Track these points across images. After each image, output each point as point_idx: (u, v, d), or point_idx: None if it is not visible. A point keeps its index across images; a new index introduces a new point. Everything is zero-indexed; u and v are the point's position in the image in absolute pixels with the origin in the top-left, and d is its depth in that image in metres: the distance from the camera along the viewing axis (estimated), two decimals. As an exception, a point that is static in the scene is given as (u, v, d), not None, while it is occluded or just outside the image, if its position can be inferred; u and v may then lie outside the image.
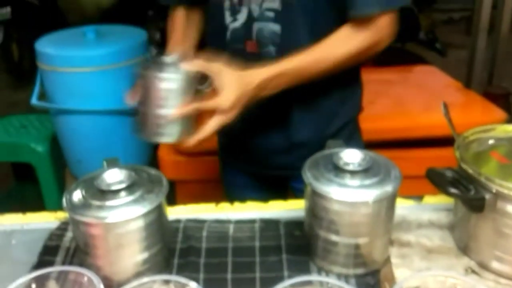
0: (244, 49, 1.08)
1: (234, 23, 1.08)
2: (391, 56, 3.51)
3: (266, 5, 1.04)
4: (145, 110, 0.95)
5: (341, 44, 1.02)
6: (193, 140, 0.96)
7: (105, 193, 0.76)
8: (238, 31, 1.08)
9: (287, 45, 1.03)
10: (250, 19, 1.06)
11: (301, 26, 1.04)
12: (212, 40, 1.16)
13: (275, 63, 0.99)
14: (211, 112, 0.95)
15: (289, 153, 1.17)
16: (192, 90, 0.94)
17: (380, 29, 1.01)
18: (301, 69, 1.01)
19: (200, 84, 0.95)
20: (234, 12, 1.07)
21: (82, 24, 2.12)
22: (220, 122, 0.95)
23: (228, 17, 1.08)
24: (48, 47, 1.94)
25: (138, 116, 0.97)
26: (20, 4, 4.42)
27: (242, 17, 1.06)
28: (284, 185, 1.28)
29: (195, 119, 0.97)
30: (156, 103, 0.93)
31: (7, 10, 4.30)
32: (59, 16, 3.86)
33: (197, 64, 0.94)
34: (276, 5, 1.03)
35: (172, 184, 2.03)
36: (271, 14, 1.04)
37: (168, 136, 0.96)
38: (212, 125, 0.95)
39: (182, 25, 1.20)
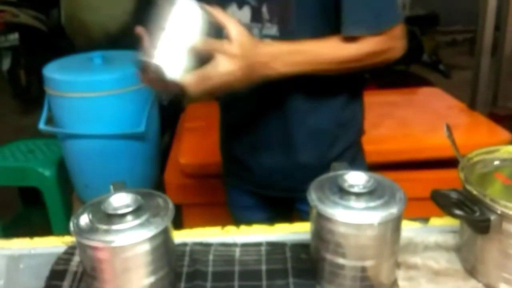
0: None
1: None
2: (395, 78, 3.55)
3: (265, 32, 1.06)
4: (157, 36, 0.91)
5: (354, 43, 1.01)
6: (193, 76, 0.91)
7: (112, 217, 0.76)
8: None
9: None
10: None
11: None
12: None
13: (285, 42, 0.99)
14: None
15: (291, 176, 1.18)
16: (206, 32, 0.92)
17: (393, 37, 1.02)
18: (312, 54, 1.00)
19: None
20: None
21: (89, 49, 2.15)
22: (226, 68, 0.91)
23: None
24: (56, 73, 1.97)
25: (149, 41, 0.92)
26: (28, 30, 4.50)
27: None
28: (289, 206, 1.28)
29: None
30: (170, 30, 0.90)
31: (15, 36, 4.38)
32: (67, 42, 3.91)
33: (217, 12, 0.92)
34: (274, 31, 1.05)
35: (179, 208, 2.04)
36: (269, 41, 1.05)
37: (172, 66, 0.91)
38: (216, 65, 0.91)
39: None
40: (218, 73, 0.91)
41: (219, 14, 0.92)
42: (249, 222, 1.04)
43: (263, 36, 1.06)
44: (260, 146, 1.18)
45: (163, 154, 2.31)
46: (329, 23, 1.04)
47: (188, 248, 0.95)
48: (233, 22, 0.92)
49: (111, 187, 0.85)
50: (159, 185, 2.13)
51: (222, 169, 1.39)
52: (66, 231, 0.89)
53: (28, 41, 4.48)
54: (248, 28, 1.05)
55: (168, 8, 0.91)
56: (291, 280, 0.85)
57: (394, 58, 1.05)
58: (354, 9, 1.00)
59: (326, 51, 1.02)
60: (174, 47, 0.91)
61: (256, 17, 1.06)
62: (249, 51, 0.93)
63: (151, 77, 0.93)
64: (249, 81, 0.95)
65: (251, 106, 1.15)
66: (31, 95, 4.61)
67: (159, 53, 0.91)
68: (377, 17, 1.00)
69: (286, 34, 1.04)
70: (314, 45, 1.01)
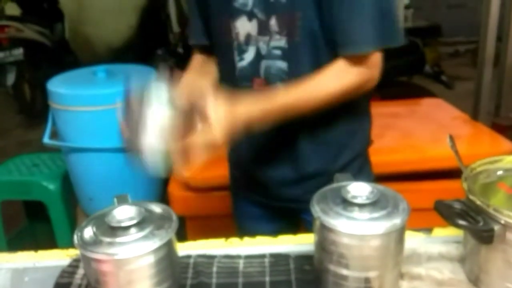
0: (251, 87, 1.11)
1: (242, 62, 1.11)
2: (398, 89, 3.56)
3: (273, 44, 1.07)
4: (135, 141, 0.95)
5: (335, 79, 1.03)
6: (183, 171, 0.96)
7: (116, 230, 0.77)
8: (245, 70, 1.11)
9: (293, 81, 1.05)
10: (258, 57, 1.09)
11: (307, 62, 1.06)
12: (222, 80, 1.19)
13: (265, 96, 1.01)
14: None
15: (298, 186, 1.18)
16: (182, 125, 0.95)
17: (372, 66, 1.03)
18: (290, 105, 1.02)
19: (189, 120, 0.96)
20: (241, 52, 1.10)
21: (93, 63, 2.17)
22: (210, 154, 0.95)
23: (236, 57, 1.11)
24: (60, 87, 1.98)
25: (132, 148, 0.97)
26: (33, 45, 4.53)
27: (249, 56, 1.10)
28: (295, 216, 1.29)
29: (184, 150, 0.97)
30: (146, 135, 0.94)
31: (19, 51, 4.41)
32: (71, 56, 3.94)
33: (187, 100, 0.95)
34: (283, 43, 1.06)
35: (183, 220, 2.04)
36: (278, 52, 1.07)
37: (156, 169, 0.95)
38: (201, 157, 0.95)
39: (200, 65, 1.24)
40: (204, 158, 0.95)
41: (193, 102, 0.95)
42: (255, 232, 1.04)
43: (271, 49, 1.07)
44: (267, 158, 1.19)
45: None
46: (331, 39, 1.05)
47: (192, 260, 0.95)
48: (206, 105, 0.95)
49: (115, 199, 0.85)
50: (163, 198, 2.13)
51: (229, 180, 1.39)
52: (71, 245, 0.89)
53: (33, 56, 4.51)
54: (256, 40, 1.07)
55: (143, 93, 0.94)
56: (295, 291, 0.85)
57: (370, 88, 1.07)
58: (359, 25, 1.01)
59: (308, 94, 1.03)
60: (153, 135, 0.93)
61: (263, 30, 1.07)
62: (229, 130, 0.96)
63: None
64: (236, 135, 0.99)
65: None
66: (36, 110, 4.63)
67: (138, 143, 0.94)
68: (383, 35, 1.01)
69: (294, 46, 1.06)
70: (291, 96, 1.02)
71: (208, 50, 1.23)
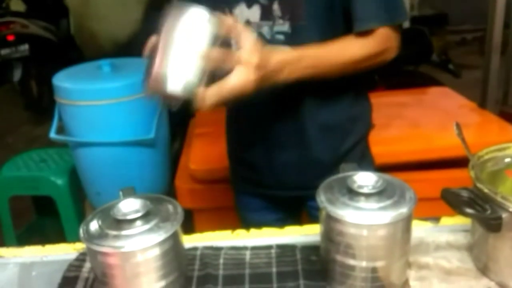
0: None
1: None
2: (405, 78, 3.53)
3: (276, 29, 1.06)
4: (163, 66, 0.86)
5: (352, 45, 1.05)
6: (211, 96, 0.87)
7: (121, 223, 0.77)
8: None
9: None
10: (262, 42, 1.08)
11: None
12: None
13: (295, 50, 0.99)
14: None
15: (304, 172, 1.18)
16: (216, 58, 0.87)
17: (383, 39, 1.05)
18: (318, 58, 1.01)
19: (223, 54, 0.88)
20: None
21: (99, 58, 2.17)
22: (243, 78, 0.89)
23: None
24: (65, 82, 1.98)
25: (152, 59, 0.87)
26: (38, 41, 4.54)
27: None
28: (299, 206, 1.28)
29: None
30: (178, 44, 0.85)
31: (25, 47, 4.42)
32: (77, 52, 3.94)
33: (228, 20, 0.90)
34: (286, 28, 1.05)
35: (190, 213, 2.04)
36: (281, 37, 1.07)
37: (176, 79, 0.86)
38: (234, 78, 0.88)
39: None
40: (235, 84, 0.89)
41: (230, 22, 0.90)
42: (258, 224, 1.04)
43: (274, 33, 1.07)
44: (273, 145, 1.19)
45: (173, 160, 2.32)
46: (339, 19, 1.06)
47: (198, 252, 0.95)
48: (247, 31, 0.91)
49: (120, 193, 0.85)
50: (170, 191, 2.14)
51: (230, 174, 1.39)
52: (79, 239, 0.89)
53: (39, 52, 4.52)
54: (258, 26, 1.06)
55: (178, 16, 0.87)
56: (301, 282, 0.85)
57: (389, 59, 1.08)
58: (365, 4, 1.03)
59: (333, 54, 1.03)
60: (182, 58, 0.86)
61: (266, 15, 1.07)
62: (265, 61, 0.92)
63: (154, 86, 0.88)
64: (260, 88, 0.94)
65: (263, 106, 1.16)
66: (43, 106, 4.64)
67: (164, 63, 0.86)
68: (388, 11, 1.04)
69: (298, 30, 1.06)
70: (321, 49, 1.02)
71: None
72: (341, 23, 1.07)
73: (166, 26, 0.87)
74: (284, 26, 1.06)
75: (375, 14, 1.04)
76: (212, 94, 0.87)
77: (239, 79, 0.89)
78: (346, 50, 1.04)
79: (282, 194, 1.25)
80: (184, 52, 0.86)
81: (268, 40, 1.07)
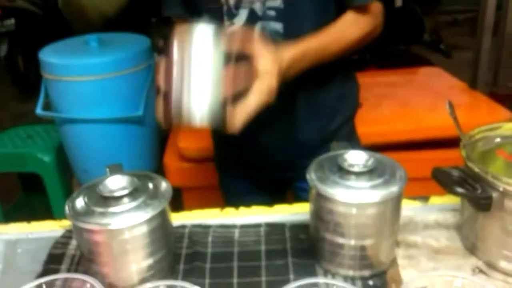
0: None
1: (232, 27, 1.07)
2: (396, 58, 3.52)
3: (268, 4, 1.04)
4: (181, 94, 0.80)
5: (350, 28, 1.05)
6: (239, 117, 0.85)
7: (108, 200, 0.75)
8: None
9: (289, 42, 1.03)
10: (253, 19, 1.06)
11: (304, 23, 1.04)
12: None
13: (299, 42, 0.98)
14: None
15: (292, 153, 1.17)
16: (233, 72, 0.83)
17: (375, 15, 1.06)
18: (320, 49, 1.01)
19: (239, 67, 0.83)
20: (231, 17, 1.07)
21: (87, 33, 2.13)
22: (267, 88, 0.87)
23: (226, 22, 1.08)
24: (51, 57, 1.95)
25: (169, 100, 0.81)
26: (25, 15, 4.45)
27: (240, 20, 1.06)
28: (283, 189, 1.28)
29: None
30: (195, 71, 0.79)
31: (11, 21, 4.33)
32: (64, 26, 3.88)
33: (235, 45, 0.86)
34: (278, 3, 1.03)
35: (179, 191, 2.04)
36: (272, 13, 1.04)
37: (210, 112, 0.81)
38: (258, 91, 0.86)
39: None
40: (261, 96, 0.87)
41: (240, 34, 0.88)
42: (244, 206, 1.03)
43: (267, 9, 1.04)
44: (259, 124, 1.17)
45: (163, 138, 2.30)
46: None
47: (187, 230, 0.95)
48: (258, 39, 0.88)
49: (107, 169, 0.84)
50: (159, 169, 2.12)
51: (214, 154, 1.38)
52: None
53: (25, 26, 4.44)
54: (250, 2, 1.04)
55: (187, 37, 0.80)
56: (290, 260, 0.85)
57: (377, 35, 1.10)
58: None
59: (334, 41, 1.03)
60: (202, 86, 0.80)
61: None
62: (281, 64, 0.90)
63: (178, 120, 0.82)
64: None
65: None
66: (30, 81, 4.58)
67: (185, 95, 0.79)
68: None
69: (290, 5, 1.03)
70: (322, 38, 1.02)
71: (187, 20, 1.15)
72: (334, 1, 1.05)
73: (177, 49, 0.80)
74: (276, 2, 1.04)
75: None
76: (240, 113, 0.85)
77: (263, 90, 0.87)
78: (346, 34, 1.04)
79: (268, 175, 1.24)
80: (203, 79, 0.80)
81: (259, 17, 1.05)
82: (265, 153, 1.20)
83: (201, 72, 0.80)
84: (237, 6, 1.06)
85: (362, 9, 1.04)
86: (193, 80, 0.80)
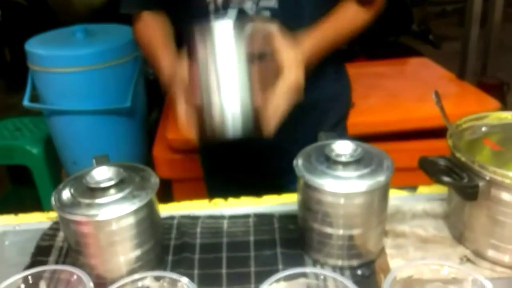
0: None
1: (247, 24, 1.04)
2: (385, 49, 3.52)
3: (262, 3, 1.01)
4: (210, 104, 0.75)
5: (352, 17, 1.04)
6: (273, 120, 0.81)
7: (95, 191, 0.75)
8: None
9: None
10: (243, 19, 1.03)
11: (300, 23, 1.00)
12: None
13: (311, 33, 0.97)
14: None
15: (282, 156, 1.14)
16: (259, 75, 0.79)
17: (378, 4, 1.06)
18: (335, 35, 1.01)
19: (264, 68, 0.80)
20: (218, 16, 1.03)
21: (74, 23, 2.11)
22: (292, 84, 0.84)
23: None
24: (38, 48, 1.93)
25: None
26: (11, 6, 4.39)
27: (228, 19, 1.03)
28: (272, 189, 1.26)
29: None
30: (223, 79, 0.75)
31: (-4, 12, 4.28)
32: (50, 17, 3.84)
33: (257, 37, 0.83)
34: (272, 3, 1.01)
35: (169, 183, 2.03)
36: (266, 13, 1.02)
37: (245, 123, 0.78)
38: (284, 90, 0.83)
39: (164, 31, 1.09)
40: (290, 89, 0.84)
41: (260, 27, 0.85)
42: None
43: (260, 9, 1.02)
44: None
45: (151, 130, 2.29)
46: None
47: (175, 221, 0.94)
48: (276, 31, 0.86)
49: (94, 160, 0.83)
50: (148, 161, 2.11)
51: (203, 169, 1.35)
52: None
53: (11, 17, 4.38)
54: (237, 2, 1.01)
55: (208, 40, 0.75)
56: (279, 250, 0.85)
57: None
58: None
59: (344, 30, 1.03)
60: (233, 95, 0.76)
61: None
62: (303, 54, 0.89)
63: (212, 136, 0.79)
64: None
65: None
66: (17, 73, 4.53)
67: (218, 109, 0.76)
68: None
69: (285, 3, 1.01)
70: (333, 27, 1.01)
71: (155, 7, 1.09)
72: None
73: (199, 54, 0.76)
74: (270, 1, 1.01)
75: None
76: (273, 117, 0.83)
77: (291, 87, 0.84)
78: (354, 22, 1.04)
79: (258, 180, 1.18)
80: (232, 87, 0.76)
81: (250, 17, 1.02)
82: (254, 157, 1.18)
83: (229, 80, 0.76)
84: (225, 6, 1.02)
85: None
86: (223, 90, 0.76)
